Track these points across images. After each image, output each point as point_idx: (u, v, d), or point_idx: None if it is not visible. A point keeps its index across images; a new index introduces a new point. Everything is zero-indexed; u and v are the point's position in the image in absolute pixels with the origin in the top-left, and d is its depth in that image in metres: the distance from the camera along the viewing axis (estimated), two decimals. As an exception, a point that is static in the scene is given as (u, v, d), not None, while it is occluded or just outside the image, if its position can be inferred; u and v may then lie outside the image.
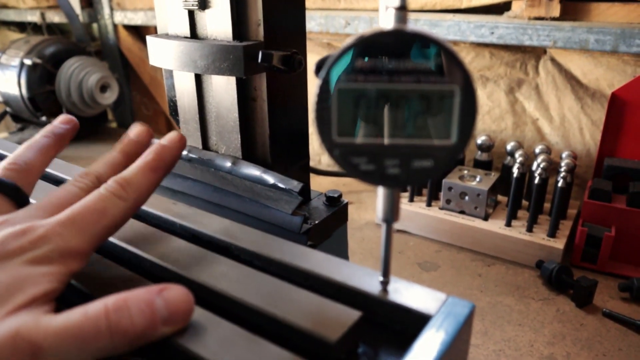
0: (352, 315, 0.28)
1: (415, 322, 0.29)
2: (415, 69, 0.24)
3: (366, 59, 0.24)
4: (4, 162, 0.33)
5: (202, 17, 0.50)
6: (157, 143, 0.33)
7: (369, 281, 0.31)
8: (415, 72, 0.24)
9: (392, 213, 0.28)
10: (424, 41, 0.23)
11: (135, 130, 0.37)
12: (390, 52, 0.23)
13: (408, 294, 0.30)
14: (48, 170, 0.45)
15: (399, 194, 0.28)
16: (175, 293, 0.26)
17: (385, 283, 0.31)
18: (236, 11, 0.47)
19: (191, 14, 0.50)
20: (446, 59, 0.23)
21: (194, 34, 0.51)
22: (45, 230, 0.27)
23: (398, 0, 0.24)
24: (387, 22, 0.24)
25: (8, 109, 1.42)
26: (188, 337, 0.27)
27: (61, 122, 0.37)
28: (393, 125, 0.24)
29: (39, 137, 0.36)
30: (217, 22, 0.48)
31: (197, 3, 0.48)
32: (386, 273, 0.30)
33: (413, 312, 0.29)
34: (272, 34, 0.48)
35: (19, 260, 0.26)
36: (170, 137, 0.34)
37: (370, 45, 0.23)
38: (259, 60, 0.44)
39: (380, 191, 0.27)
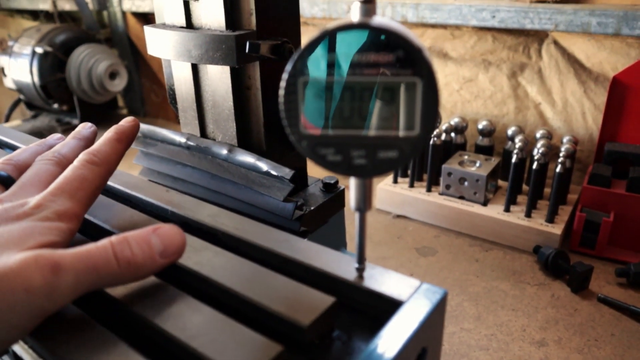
0: (326, 300, 0.29)
1: (387, 307, 0.30)
2: (380, 62, 0.24)
3: (332, 52, 0.24)
4: (0, 159, 0.39)
5: (196, 7, 0.50)
6: (116, 125, 0.40)
7: (346, 267, 0.32)
8: (379, 65, 0.24)
9: (364, 202, 0.29)
10: (388, 35, 0.24)
11: (83, 125, 0.43)
12: (355, 44, 0.24)
13: (382, 280, 0.31)
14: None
15: (371, 183, 0.28)
16: (168, 230, 0.31)
17: (361, 269, 0.32)
18: (229, 1, 0.47)
19: (186, 4, 0.51)
20: (409, 51, 0.24)
21: (189, 24, 0.52)
22: (40, 200, 0.32)
23: (363, -6, 0.24)
24: (354, 14, 0.25)
25: (22, 97, 1.45)
26: (167, 320, 0.28)
27: (55, 139, 0.44)
28: (358, 117, 0.25)
29: (33, 144, 0.42)
30: (211, 12, 0.49)
31: (191, -7, 0.49)
32: (361, 260, 0.31)
33: (386, 297, 0.30)
34: (265, 23, 0.48)
35: (26, 220, 0.30)
36: (126, 119, 0.41)
37: (335, 39, 0.24)
38: (247, 50, 0.45)
39: (352, 181, 0.28)
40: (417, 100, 0.24)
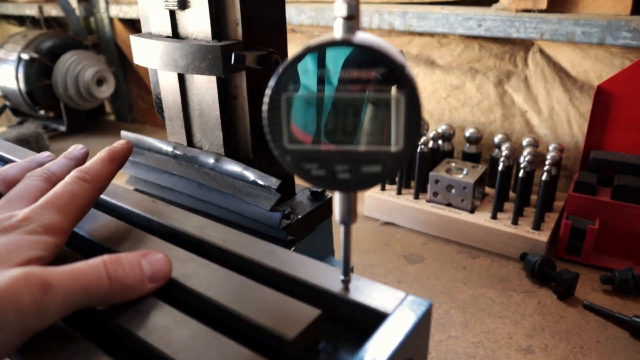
0: (311, 313, 0.29)
1: (373, 319, 0.30)
2: (362, 78, 0.24)
3: (315, 68, 0.24)
4: None
5: (182, 16, 0.50)
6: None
7: (332, 279, 0.32)
8: (361, 81, 0.24)
9: (349, 215, 0.29)
10: (370, 52, 0.24)
11: (75, 146, 0.44)
12: (338, 61, 0.24)
13: (368, 292, 0.31)
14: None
15: (356, 197, 0.29)
16: (157, 257, 0.32)
17: (346, 282, 0.32)
18: (215, 11, 0.48)
19: (172, 13, 0.51)
20: (392, 68, 0.24)
21: (175, 34, 0.52)
22: (28, 212, 0.32)
23: (345, 10, 0.24)
24: (337, 30, 0.25)
25: (7, 103, 1.43)
26: (152, 333, 0.28)
27: (46, 156, 0.44)
28: (342, 132, 0.25)
29: (23, 161, 0.43)
30: (197, 22, 0.49)
31: (177, 3, 0.49)
32: (347, 272, 0.31)
33: (371, 310, 0.30)
34: (251, 33, 0.48)
35: (13, 233, 0.30)
36: (119, 142, 0.41)
37: (319, 55, 0.24)
38: (232, 61, 0.45)
39: (336, 195, 0.28)
40: (400, 116, 0.25)
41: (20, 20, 1.73)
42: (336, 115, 0.25)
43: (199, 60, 0.48)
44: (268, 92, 0.25)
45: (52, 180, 0.37)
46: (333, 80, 0.25)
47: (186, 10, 0.49)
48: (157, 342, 0.27)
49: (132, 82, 1.53)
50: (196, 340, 0.27)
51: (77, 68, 1.29)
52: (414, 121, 0.25)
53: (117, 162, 0.39)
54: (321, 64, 0.25)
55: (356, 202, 0.29)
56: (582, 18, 0.77)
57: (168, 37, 0.52)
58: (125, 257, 0.31)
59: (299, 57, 0.24)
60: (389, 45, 0.25)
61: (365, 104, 0.25)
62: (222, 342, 0.27)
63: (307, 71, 0.25)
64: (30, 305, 0.26)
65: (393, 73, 0.24)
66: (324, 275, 0.33)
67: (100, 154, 0.39)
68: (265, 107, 0.25)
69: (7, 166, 0.41)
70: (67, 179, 0.35)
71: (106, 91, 1.35)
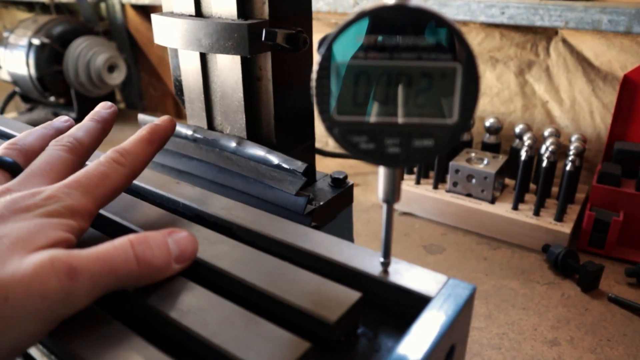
0: (351, 296, 0.28)
1: (415, 303, 0.29)
2: (417, 46, 0.23)
3: (367, 35, 0.23)
4: (5, 143, 0.36)
5: (206, -6, 0.49)
6: (151, 122, 0.37)
7: (369, 262, 0.31)
8: (416, 49, 0.23)
9: (392, 193, 0.27)
10: (426, 17, 0.23)
11: (102, 104, 0.40)
12: (392, 28, 0.23)
13: (409, 275, 0.30)
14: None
15: (401, 174, 0.27)
16: (182, 235, 0.31)
17: (386, 264, 0.30)
18: (241, -11, 0.46)
19: (196, -9, 0.49)
20: (449, 35, 0.23)
21: (198, 12, 0.50)
22: (54, 191, 0.29)
23: (400, -26, 0.23)
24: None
25: (17, 89, 1.42)
26: (188, 315, 0.27)
27: (63, 121, 0.41)
28: (394, 104, 0.24)
29: (40, 127, 0.39)
30: (222, 0, 0.47)
31: (201, -19, 0.47)
32: (387, 254, 0.30)
33: (413, 293, 0.29)
34: (278, 13, 0.47)
35: (35, 213, 0.28)
36: (162, 118, 0.38)
37: (372, 21, 0.23)
38: (263, 38, 0.44)
39: (381, 171, 0.27)
40: (456, 87, 0.23)
41: (30, 6, 1.71)
42: (387, 85, 0.24)
43: (224, 39, 0.47)
44: (318, 59, 0.23)
45: (78, 150, 0.35)
46: (377, 49, 0.24)
47: (211, -12, 0.48)
48: (193, 324, 0.26)
49: (143, 69, 1.52)
50: (233, 323, 0.26)
51: (88, 54, 1.28)
52: (471, 92, 0.23)
53: (157, 143, 0.36)
54: (374, 30, 0.23)
55: (401, 179, 0.28)
56: (609, 6, 0.75)
57: (191, 15, 0.50)
58: (152, 237, 0.29)
59: (352, 22, 0.23)
60: (443, 13, 0.23)
61: (418, 74, 0.24)
62: (261, 324, 0.26)
63: (352, 41, 0.23)
64: (57, 291, 0.25)
65: (450, 40, 0.23)
66: (361, 258, 0.32)
67: (140, 133, 0.35)
68: (314, 76, 0.24)
69: (23, 133, 0.38)
70: (102, 158, 0.33)
71: (117, 78, 1.34)
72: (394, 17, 0.23)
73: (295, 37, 0.46)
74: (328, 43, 0.23)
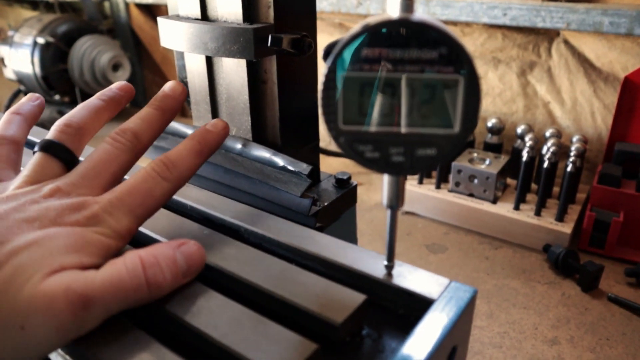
0: (357, 298, 0.29)
1: (418, 305, 0.30)
2: (420, 58, 0.24)
3: (372, 47, 0.24)
4: (58, 123, 0.34)
5: (212, -1, 0.50)
6: (202, 128, 0.35)
7: (374, 265, 0.32)
8: (420, 62, 0.24)
9: (397, 199, 0.28)
10: (429, 31, 0.23)
11: (170, 85, 0.37)
12: (396, 41, 0.24)
13: (412, 278, 0.31)
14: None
15: (405, 180, 0.28)
16: (191, 249, 0.30)
17: (389, 267, 0.31)
18: (246, -7, 0.47)
19: (202, -5, 0.50)
20: (451, 48, 0.24)
21: (204, 16, 0.51)
22: (99, 209, 0.29)
23: (405, -12, 0.24)
24: (393, 9, 0.24)
25: (22, 88, 1.43)
26: (199, 317, 0.28)
27: (118, 88, 0.38)
28: (398, 114, 0.25)
29: (94, 99, 0.36)
30: (228, 4, 0.48)
31: (207, -15, 0.48)
32: (391, 257, 0.31)
33: (416, 295, 0.30)
34: (283, 16, 0.48)
35: (76, 231, 0.28)
36: (214, 123, 0.35)
37: (376, 34, 0.24)
38: (269, 44, 0.44)
39: (386, 178, 0.28)
40: (458, 98, 0.24)
41: (34, 4, 1.72)
42: (392, 96, 0.25)
43: (230, 43, 0.47)
44: (324, 71, 0.24)
45: (137, 150, 0.33)
46: (382, 61, 0.24)
47: (217, -7, 0.48)
48: (204, 326, 0.27)
49: (146, 67, 1.53)
50: (242, 324, 0.27)
51: (93, 53, 1.29)
52: (473, 103, 0.24)
53: (207, 154, 0.34)
54: (377, 43, 0.24)
55: (405, 185, 0.29)
56: (610, 8, 0.76)
57: (197, 19, 0.51)
58: (162, 256, 0.28)
59: (358, 35, 0.24)
60: (446, 26, 0.24)
61: (421, 85, 0.25)
62: (269, 326, 0.27)
63: (364, 51, 0.24)
64: (71, 321, 0.25)
65: (453, 54, 0.24)
66: (366, 261, 0.32)
67: (190, 143, 0.33)
68: (320, 87, 0.24)
69: (77, 109, 0.35)
70: (148, 169, 0.31)
71: (122, 76, 1.35)
72: (398, 30, 0.23)
73: (301, 41, 0.47)
74: (334, 55, 0.24)
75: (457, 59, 0.24)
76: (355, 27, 0.24)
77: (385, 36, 0.24)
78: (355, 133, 0.25)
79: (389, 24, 0.24)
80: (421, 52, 0.24)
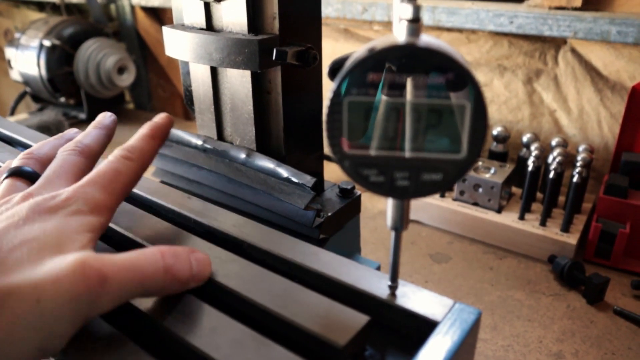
0: (360, 319, 0.29)
1: (421, 327, 0.29)
2: (427, 84, 0.24)
3: (377, 72, 0.24)
4: (21, 154, 0.39)
5: (217, 9, 0.50)
6: (149, 121, 0.39)
7: (377, 284, 0.32)
8: (426, 87, 0.24)
9: (401, 222, 0.28)
10: (436, 57, 0.23)
11: (103, 115, 0.42)
12: (402, 66, 0.24)
13: (416, 298, 0.31)
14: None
15: (409, 203, 0.28)
16: (202, 256, 0.32)
17: (393, 287, 0.31)
18: (252, 4, 0.47)
19: (207, 5, 0.50)
20: (458, 74, 0.23)
21: (209, 26, 0.51)
22: (72, 192, 0.31)
23: (411, 12, 0.23)
24: (400, 33, 0.24)
25: (28, 89, 1.44)
26: (200, 338, 0.28)
27: (72, 132, 0.43)
28: (403, 139, 0.25)
29: (52, 138, 0.42)
30: (233, 15, 0.48)
31: (213, -5, 0.48)
32: (394, 278, 0.31)
33: (420, 317, 0.30)
34: (288, 27, 0.48)
35: (59, 214, 0.30)
36: (159, 115, 0.40)
37: (382, 59, 0.24)
38: (274, 58, 0.44)
39: (390, 201, 0.27)
40: (465, 124, 0.24)
41: (40, 5, 1.73)
42: (397, 120, 0.24)
43: (234, 54, 0.47)
44: (329, 95, 0.24)
45: (87, 153, 0.37)
46: (388, 86, 0.24)
47: (222, 3, 0.48)
48: (206, 346, 0.27)
49: (151, 70, 1.53)
50: (245, 346, 0.27)
51: (98, 56, 1.29)
52: (479, 129, 0.24)
53: (159, 138, 0.38)
54: (382, 68, 0.24)
55: (409, 208, 0.28)
56: (618, 17, 0.75)
57: (202, 29, 0.51)
58: (180, 250, 0.31)
59: (363, 59, 0.23)
60: (454, 50, 0.24)
61: (427, 110, 0.24)
62: (271, 347, 0.27)
63: (370, 75, 0.24)
64: (86, 295, 0.26)
65: (460, 79, 0.23)
66: (369, 280, 0.32)
67: (141, 131, 0.38)
68: (325, 111, 0.24)
69: (37, 145, 0.40)
70: (110, 157, 0.35)
71: (127, 79, 1.35)
72: (405, 56, 0.23)
73: (305, 53, 0.47)
74: (339, 80, 0.24)
75: (464, 84, 0.23)
76: (361, 51, 0.24)
77: (392, 61, 0.24)
78: (360, 157, 0.25)
79: (395, 50, 0.23)
80: (427, 77, 0.23)
